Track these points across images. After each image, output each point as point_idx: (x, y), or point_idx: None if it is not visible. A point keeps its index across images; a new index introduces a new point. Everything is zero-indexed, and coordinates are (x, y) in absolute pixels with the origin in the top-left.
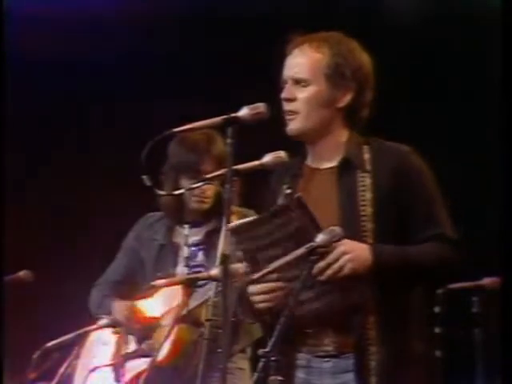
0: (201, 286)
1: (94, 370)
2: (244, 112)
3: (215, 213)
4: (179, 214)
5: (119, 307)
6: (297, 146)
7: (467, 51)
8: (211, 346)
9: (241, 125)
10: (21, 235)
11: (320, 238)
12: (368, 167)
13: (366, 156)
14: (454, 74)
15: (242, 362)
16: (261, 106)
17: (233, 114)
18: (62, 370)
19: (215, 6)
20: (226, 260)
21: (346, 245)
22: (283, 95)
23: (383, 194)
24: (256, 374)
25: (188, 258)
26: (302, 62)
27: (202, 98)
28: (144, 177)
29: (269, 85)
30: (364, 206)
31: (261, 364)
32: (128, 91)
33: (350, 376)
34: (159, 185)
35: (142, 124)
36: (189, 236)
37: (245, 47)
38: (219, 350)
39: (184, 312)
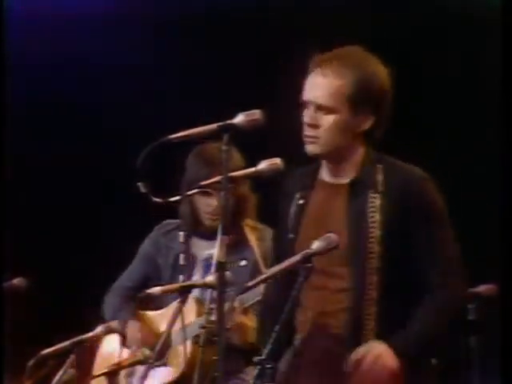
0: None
1: (92, 378)
2: (240, 119)
3: (234, 225)
4: (194, 225)
5: (133, 328)
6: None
7: (467, 51)
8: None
9: (236, 131)
10: (21, 241)
11: (316, 244)
12: (380, 188)
13: (379, 177)
14: (454, 74)
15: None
16: (256, 113)
17: (228, 121)
18: (57, 377)
19: (215, 5)
20: (221, 267)
21: (373, 354)
22: (306, 121)
23: (392, 218)
24: (252, 382)
25: (203, 269)
26: (324, 87)
27: (204, 101)
28: (139, 183)
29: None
30: (373, 228)
31: (256, 371)
32: (129, 91)
33: None
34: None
35: (143, 124)
36: (202, 248)
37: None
38: (214, 358)
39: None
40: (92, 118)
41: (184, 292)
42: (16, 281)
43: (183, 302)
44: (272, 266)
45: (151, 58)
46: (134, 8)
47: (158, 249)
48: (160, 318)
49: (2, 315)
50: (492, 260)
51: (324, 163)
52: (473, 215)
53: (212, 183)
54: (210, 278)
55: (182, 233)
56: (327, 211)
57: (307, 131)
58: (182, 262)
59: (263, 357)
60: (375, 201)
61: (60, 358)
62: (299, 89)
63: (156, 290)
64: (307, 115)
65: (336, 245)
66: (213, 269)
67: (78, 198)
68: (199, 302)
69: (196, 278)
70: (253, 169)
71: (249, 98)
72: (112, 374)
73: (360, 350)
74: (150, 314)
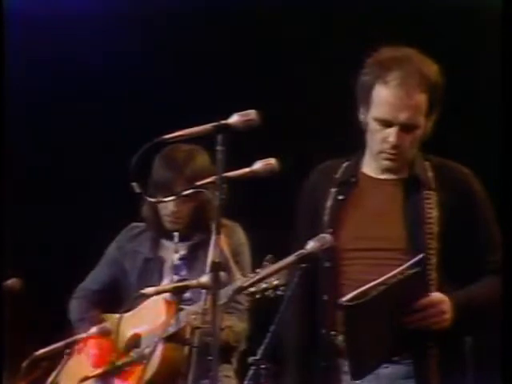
0: (189, 300)
1: (83, 380)
2: (235, 119)
3: (198, 228)
4: (159, 227)
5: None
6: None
7: (467, 50)
8: (201, 354)
9: (231, 132)
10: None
11: (310, 245)
12: (433, 185)
13: (430, 174)
14: (454, 74)
15: (228, 371)
16: (252, 113)
17: (223, 121)
18: (50, 379)
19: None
20: (216, 267)
21: (446, 304)
22: (392, 141)
23: (449, 214)
24: (246, 382)
25: (176, 267)
26: (410, 107)
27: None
28: (133, 184)
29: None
30: (431, 224)
31: (251, 372)
32: (129, 91)
33: (411, 382)
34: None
35: (144, 124)
36: (177, 248)
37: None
38: (209, 358)
39: (172, 325)
40: (92, 118)
41: (178, 292)
42: (10, 282)
43: (178, 302)
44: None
45: (151, 57)
46: (134, 8)
47: (124, 253)
48: (129, 320)
49: (1, 316)
50: None
51: (370, 158)
52: None
53: (206, 183)
54: (205, 278)
55: (176, 233)
56: (379, 207)
57: (390, 149)
58: (175, 261)
59: (258, 357)
60: (431, 197)
61: (54, 358)
62: (296, 89)
63: (150, 290)
64: (393, 136)
65: (330, 244)
66: (183, 269)
67: (78, 197)
68: (169, 302)
69: (165, 281)
70: (248, 169)
71: (248, 97)
72: (106, 375)
73: (431, 297)
74: (116, 316)
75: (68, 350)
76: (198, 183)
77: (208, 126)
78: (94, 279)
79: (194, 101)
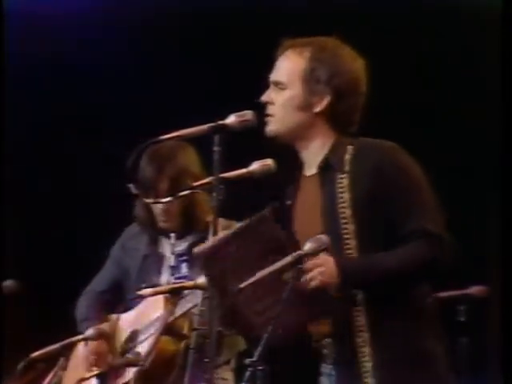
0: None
1: (80, 381)
2: (231, 119)
3: (193, 226)
4: (153, 226)
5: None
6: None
7: (467, 50)
8: (197, 356)
9: (228, 132)
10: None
11: (308, 246)
12: (346, 168)
13: (347, 156)
14: (454, 74)
15: (225, 373)
16: (248, 114)
17: (220, 122)
18: (47, 380)
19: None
20: None
21: (320, 258)
22: (262, 98)
23: (362, 194)
24: None
25: (173, 268)
26: (283, 65)
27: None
28: (130, 185)
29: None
30: (343, 207)
31: (248, 373)
32: (128, 91)
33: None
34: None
35: (143, 123)
36: (174, 245)
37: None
38: (206, 360)
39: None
40: (92, 118)
41: (175, 293)
42: (6, 283)
43: (175, 304)
44: None
45: (151, 57)
46: (134, 8)
47: (125, 252)
48: (127, 320)
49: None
50: (481, 261)
51: (301, 158)
52: (461, 222)
53: (203, 184)
54: (201, 280)
55: (173, 234)
56: (303, 203)
57: (266, 110)
58: (172, 263)
59: (255, 358)
60: (343, 181)
61: (50, 360)
62: None
63: (147, 291)
64: (265, 93)
65: (327, 245)
66: (183, 267)
67: (78, 197)
68: (167, 298)
69: (164, 276)
70: (245, 170)
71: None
72: (103, 375)
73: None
74: (115, 316)
75: (64, 352)
76: (195, 184)
77: (205, 127)
78: (99, 280)
79: (193, 101)
